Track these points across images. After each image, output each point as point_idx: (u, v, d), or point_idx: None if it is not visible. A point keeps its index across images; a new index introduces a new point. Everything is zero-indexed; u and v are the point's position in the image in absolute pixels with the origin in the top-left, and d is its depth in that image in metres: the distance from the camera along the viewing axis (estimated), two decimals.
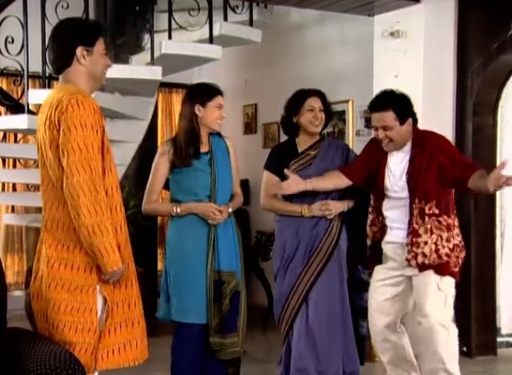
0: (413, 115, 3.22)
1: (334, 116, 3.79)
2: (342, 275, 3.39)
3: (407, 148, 3.23)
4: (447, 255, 3.14)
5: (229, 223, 3.20)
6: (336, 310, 3.34)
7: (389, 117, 3.14)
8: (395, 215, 3.24)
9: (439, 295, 3.15)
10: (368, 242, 3.39)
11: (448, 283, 3.19)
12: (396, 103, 3.16)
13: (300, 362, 3.34)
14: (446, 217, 3.16)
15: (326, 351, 3.33)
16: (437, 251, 3.13)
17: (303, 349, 3.33)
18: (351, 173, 3.32)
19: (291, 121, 3.46)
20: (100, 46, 2.54)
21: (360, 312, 3.50)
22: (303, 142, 3.47)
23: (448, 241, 3.15)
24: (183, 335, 3.13)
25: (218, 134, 3.26)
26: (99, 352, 2.40)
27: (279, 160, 3.46)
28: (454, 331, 3.20)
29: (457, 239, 3.21)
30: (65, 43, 2.51)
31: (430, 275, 3.15)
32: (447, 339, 3.16)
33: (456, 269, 3.18)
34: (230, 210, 3.18)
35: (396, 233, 3.24)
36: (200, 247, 3.10)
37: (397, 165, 3.24)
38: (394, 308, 3.28)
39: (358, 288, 3.49)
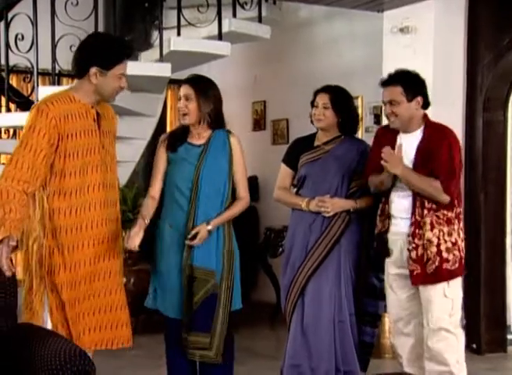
0: (423, 95, 3.18)
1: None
2: (339, 275, 3.37)
3: (418, 134, 3.18)
4: (448, 249, 3.09)
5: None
6: (329, 309, 3.34)
7: (396, 92, 3.15)
8: (400, 205, 3.19)
9: (445, 302, 3.10)
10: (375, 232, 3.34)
11: (455, 287, 3.14)
12: (405, 79, 3.17)
13: (294, 358, 3.38)
14: (445, 211, 3.11)
15: (318, 349, 3.35)
16: (438, 245, 3.09)
17: (297, 346, 3.37)
18: (371, 173, 3.27)
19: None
20: (117, 70, 2.64)
21: (371, 318, 3.47)
22: (320, 136, 3.51)
23: (450, 234, 3.10)
24: (167, 328, 3.17)
25: (228, 131, 3.21)
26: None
27: (295, 153, 3.52)
28: (460, 335, 3.15)
29: (460, 234, 3.15)
30: (83, 58, 2.65)
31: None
32: (452, 343, 3.12)
33: (456, 266, 3.11)
34: (209, 228, 3.00)
35: (399, 224, 3.20)
36: (180, 242, 3.05)
37: (405, 150, 3.17)
38: (411, 302, 3.24)
39: (371, 295, 3.46)
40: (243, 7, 4.46)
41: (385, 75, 4.38)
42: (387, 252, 3.26)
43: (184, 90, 3.10)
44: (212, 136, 3.13)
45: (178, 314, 3.08)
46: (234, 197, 3.17)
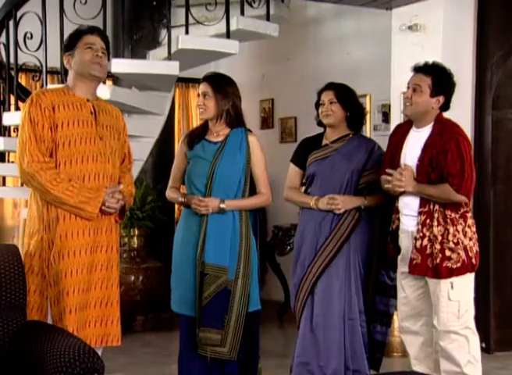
0: (446, 96, 3.18)
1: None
2: (349, 273, 3.37)
3: (427, 130, 3.17)
4: (451, 249, 3.07)
5: (231, 218, 3.10)
6: (339, 307, 3.34)
7: (424, 81, 3.14)
8: (409, 202, 3.18)
9: (451, 305, 3.09)
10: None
11: (461, 288, 3.11)
12: (438, 74, 3.16)
13: (303, 356, 3.39)
14: (448, 211, 3.09)
15: (328, 347, 3.35)
16: (442, 243, 3.08)
17: (307, 344, 3.38)
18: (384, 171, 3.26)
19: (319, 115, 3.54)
20: (81, 44, 2.81)
21: (382, 317, 3.45)
22: (329, 135, 3.51)
23: (454, 235, 3.08)
24: (181, 326, 3.18)
25: (247, 129, 3.21)
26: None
27: (303, 153, 3.53)
28: (471, 335, 3.14)
29: (467, 233, 3.12)
30: (62, 57, 2.96)
31: (440, 283, 3.09)
32: (462, 345, 3.11)
33: (458, 266, 3.08)
34: (222, 206, 3.06)
35: (408, 222, 3.19)
36: (193, 239, 3.09)
37: (413, 145, 3.18)
38: (420, 301, 3.24)
39: (382, 293, 3.44)
40: (251, 5, 4.44)
41: (393, 73, 4.38)
42: (398, 250, 3.26)
43: (202, 87, 3.17)
44: (230, 134, 3.16)
45: (191, 311, 3.09)
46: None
